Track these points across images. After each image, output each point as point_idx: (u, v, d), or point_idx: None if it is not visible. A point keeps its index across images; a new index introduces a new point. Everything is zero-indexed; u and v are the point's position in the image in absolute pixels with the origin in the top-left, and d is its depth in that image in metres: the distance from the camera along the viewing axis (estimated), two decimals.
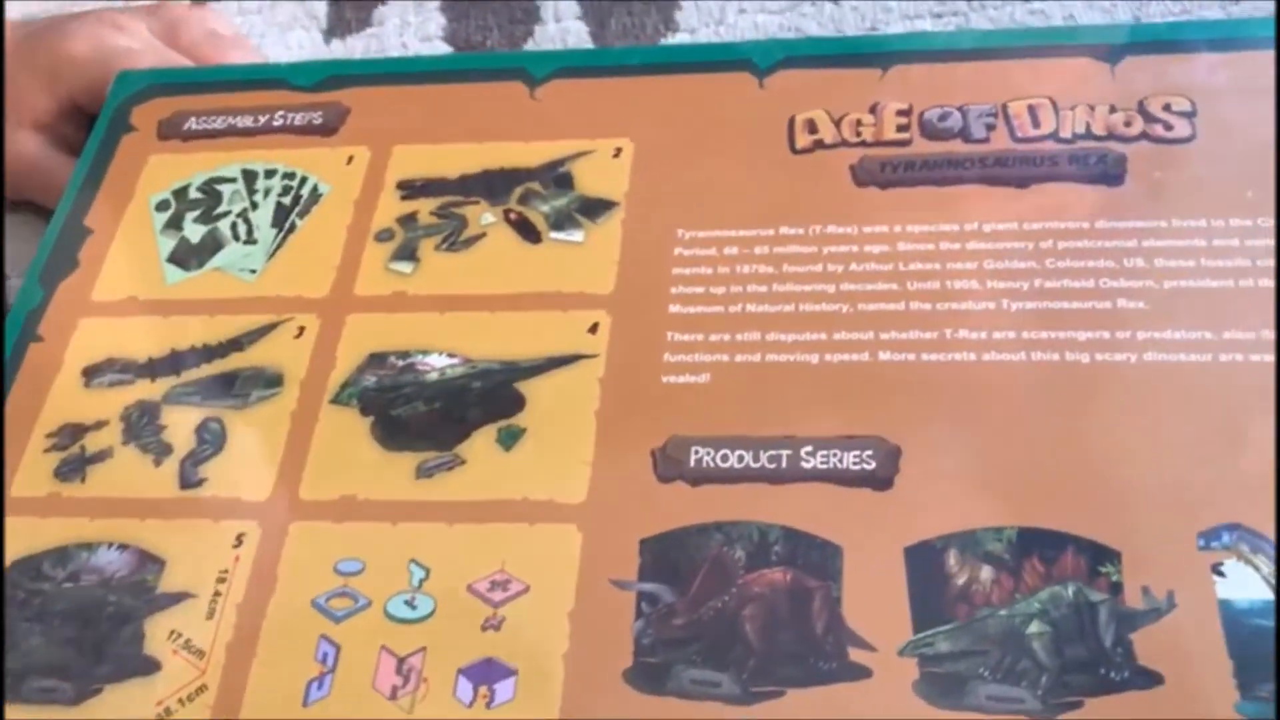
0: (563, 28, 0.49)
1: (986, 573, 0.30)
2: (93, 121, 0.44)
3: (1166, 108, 0.37)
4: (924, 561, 0.30)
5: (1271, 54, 0.37)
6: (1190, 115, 0.37)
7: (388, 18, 0.50)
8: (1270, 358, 0.32)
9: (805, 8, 0.47)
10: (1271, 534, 0.29)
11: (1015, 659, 0.28)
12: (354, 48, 0.50)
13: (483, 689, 0.30)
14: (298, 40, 0.50)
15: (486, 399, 0.35)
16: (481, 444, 0.34)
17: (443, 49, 0.49)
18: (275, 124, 0.42)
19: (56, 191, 0.44)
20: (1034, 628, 0.29)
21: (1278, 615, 0.28)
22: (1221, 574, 0.29)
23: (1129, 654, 0.28)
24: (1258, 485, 0.30)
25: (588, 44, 0.48)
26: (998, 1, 0.45)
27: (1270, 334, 0.32)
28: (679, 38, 0.47)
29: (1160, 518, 0.30)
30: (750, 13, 0.48)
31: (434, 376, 0.35)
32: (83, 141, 0.44)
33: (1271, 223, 0.34)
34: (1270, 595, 0.28)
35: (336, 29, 0.50)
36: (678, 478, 0.32)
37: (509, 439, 0.34)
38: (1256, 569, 0.29)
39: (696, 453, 0.33)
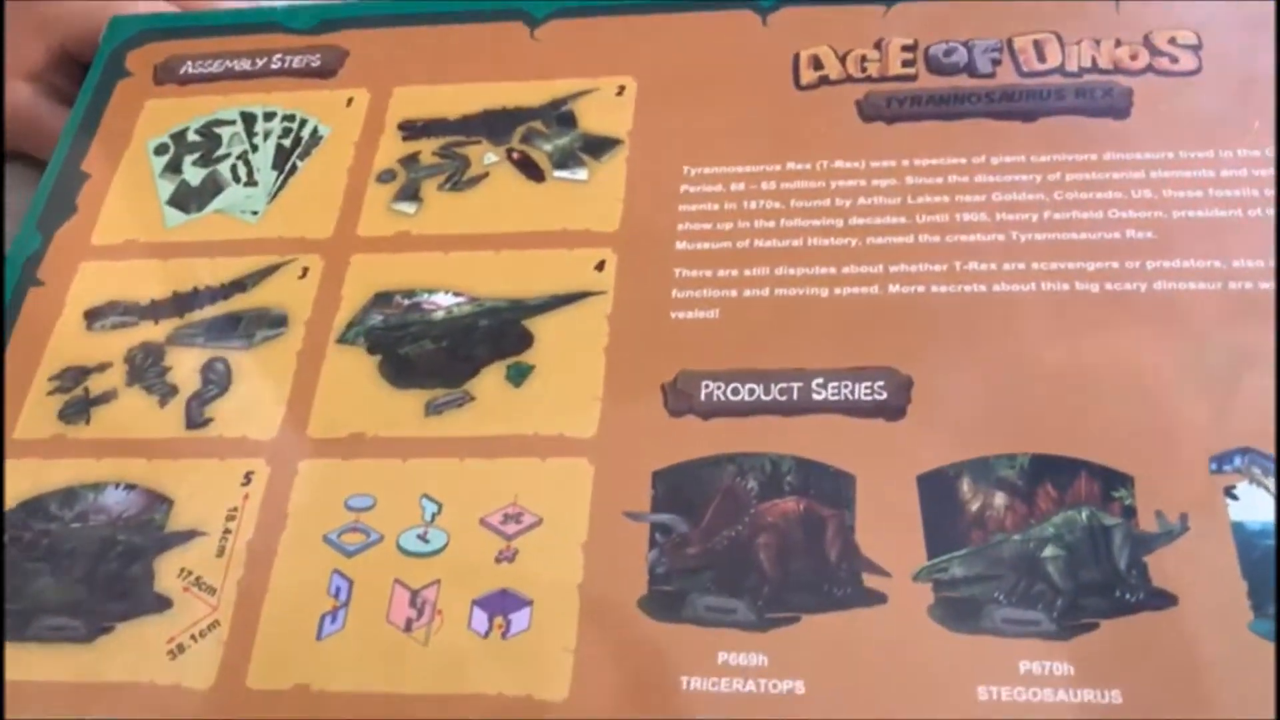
0: None
1: (1000, 499, 0.30)
2: (85, 71, 0.44)
3: (1172, 41, 0.37)
4: (937, 489, 0.30)
5: None
6: (1195, 48, 0.37)
7: None
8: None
9: None
10: None
11: (1030, 583, 0.29)
12: None
13: (498, 619, 0.30)
14: None
15: (494, 336, 0.35)
16: (490, 381, 0.34)
17: None
18: (273, 67, 0.42)
19: (49, 141, 0.43)
20: (1048, 551, 0.29)
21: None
22: (1234, 497, 0.29)
23: (1143, 576, 0.28)
24: (1268, 409, 0.30)
25: None
26: None
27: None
28: None
29: (1171, 443, 0.30)
30: None
31: (441, 315, 0.35)
32: (75, 92, 0.43)
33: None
34: None
35: None
36: (688, 411, 0.32)
37: (518, 375, 0.34)
38: (1268, 491, 0.29)
39: (706, 386, 0.33)
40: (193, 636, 0.31)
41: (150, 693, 0.30)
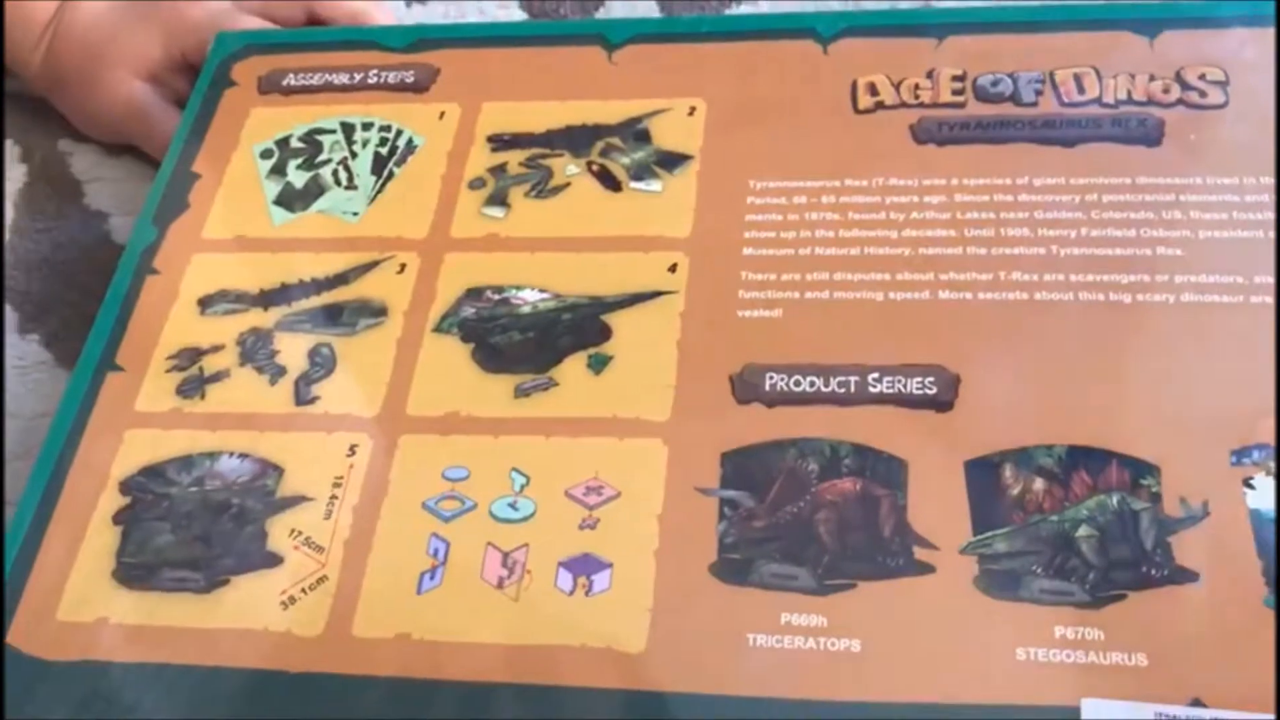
0: (633, 8, 0.52)
1: (1039, 484, 0.33)
2: (197, 77, 0.47)
3: (1202, 77, 0.40)
4: (982, 474, 0.33)
5: None
6: (1224, 84, 0.40)
7: None
8: None
9: None
10: None
11: (1065, 558, 0.32)
12: (433, 15, 0.53)
13: (582, 579, 0.33)
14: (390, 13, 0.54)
15: (576, 329, 0.38)
16: (573, 368, 0.37)
17: (519, 17, 0.52)
18: (370, 81, 0.45)
19: (159, 137, 0.47)
20: (1083, 531, 0.32)
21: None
22: (1251, 486, 0.32)
23: (1168, 554, 0.31)
24: None
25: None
26: None
27: None
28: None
29: (1196, 437, 0.33)
30: None
31: (527, 309, 0.39)
32: (188, 93, 0.47)
33: None
34: None
35: None
36: (754, 400, 0.36)
37: (598, 364, 0.37)
38: None
39: (771, 378, 0.36)
40: (303, 589, 0.34)
41: (264, 638, 0.33)
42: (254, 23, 0.48)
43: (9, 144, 0.53)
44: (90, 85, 0.49)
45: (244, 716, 0.32)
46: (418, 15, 0.53)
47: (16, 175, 0.52)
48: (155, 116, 0.48)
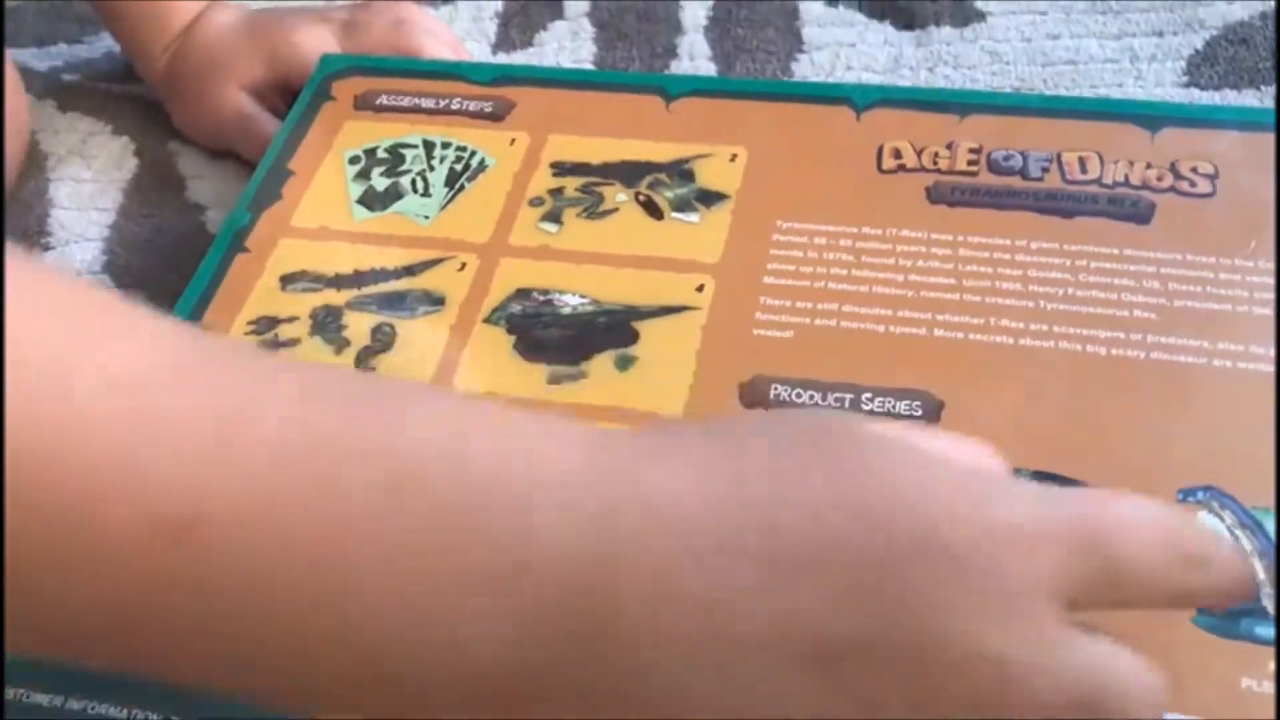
0: (694, 65, 0.58)
1: None
2: (293, 95, 0.53)
3: (1194, 169, 0.44)
4: None
5: None
6: (1212, 177, 0.44)
7: (547, 41, 0.60)
8: (1255, 367, 0.39)
9: (904, 72, 0.56)
10: (1241, 500, 0.36)
11: None
12: (515, 59, 0.59)
13: None
14: (469, 51, 0.60)
15: (609, 331, 0.43)
16: (601, 364, 0.42)
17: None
18: (453, 108, 0.51)
19: (257, 143, 0.53)
20: None
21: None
22: None
23: None
24: (1232, 462, 0.37)
25: None
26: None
27: (1259, 349, 0.39)
28: None
29: (1149, 476, 0.37)
30: (856, 70, 0.56)
31: (568, 310, 0.43)
32: (284, 109, 0.53)
33: (1270, 266, 0.41)
34: (1230, 540, 0.35)
35: (503, 45, 0.60)
36: (758, 405, 0.40)
37: (624, 363, 0.42)
38: (1222, 520, 0.36)
39: (775, 389, 0.40)
40: None
41: None
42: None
43: (125, 139, 0.59)
44: (203, 92, 0.56)
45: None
46: (500, 60, 0.59)
47: (129, 167, 0.58)
48: (255, 123, 0.54)
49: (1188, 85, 0.53)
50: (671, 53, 0.58)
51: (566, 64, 0.59)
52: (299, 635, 0.22)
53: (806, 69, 0.57)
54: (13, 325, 0.21)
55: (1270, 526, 0.35)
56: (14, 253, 0.22)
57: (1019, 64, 0.55)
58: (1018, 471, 0.37)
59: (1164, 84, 0.54)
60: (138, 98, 0.61)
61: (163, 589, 0.21)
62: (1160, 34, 0.56)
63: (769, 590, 0.22)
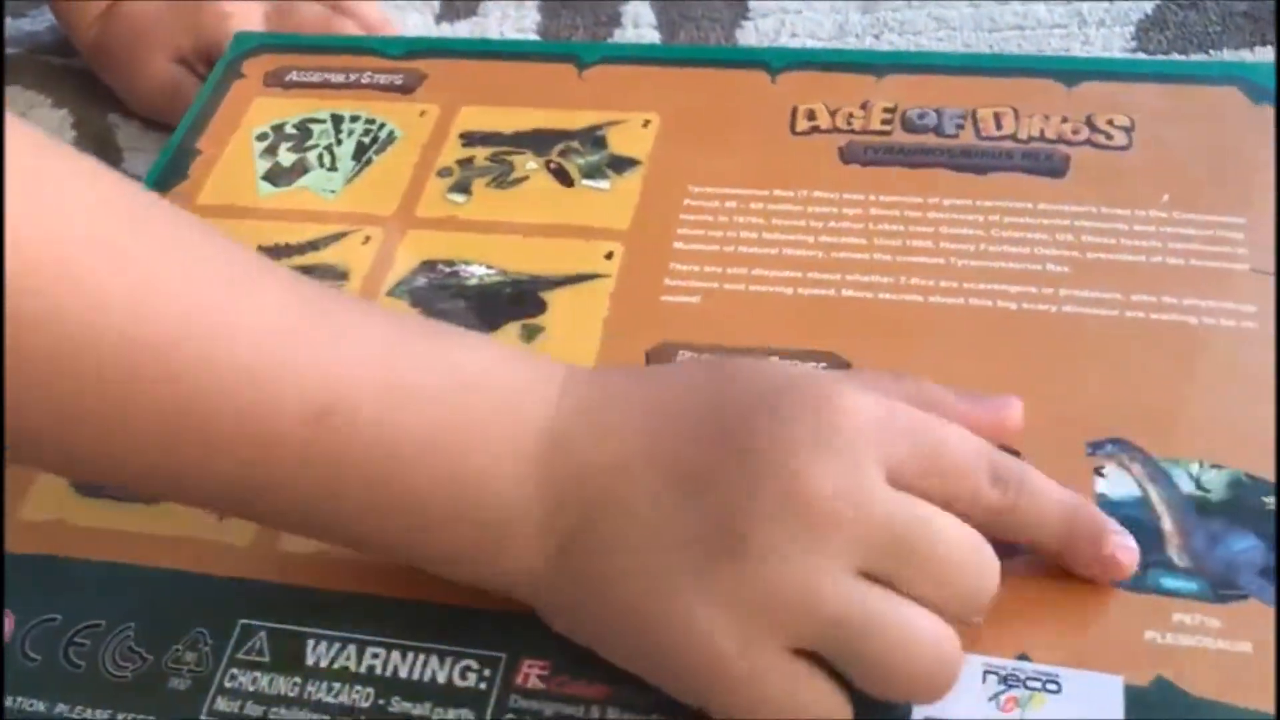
0: (639, 33, 0.56)
1: None
2: None
3: (1110, 122, 0.44)
4: None
5: (1201, 88, 0.44)
6: (1129, 130, 0.43)
7: (491, 11, 0.59)
8: (1167, 317, 0.38)
9: (849, 40, 0.55)
10: (1150, 452, 0.35)
11: None
12: (459, 32, 0.58)
13: None
14: (412, 21, 0.59)
15: (515, 301, 0.42)
16: (507, 335, 0.41)
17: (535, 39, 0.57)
18: (363, 82, 0.50)
19: (184, 112, 0.52)
20: None
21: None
22: (1102, 474, 0.35)
23: None
24: (1142, 414, 0.36)
25: None
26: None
27: (1171, 299, 0.38)
28: None
29: (1057, 429, 0.36)
30: (801, 37, 0.55)
31: (474, 281, 0.42)
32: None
33: (1185, 216, 0.40)
34: (1138, 492, 0.34)
35: (446, 15, 0.59)
36: None
37: (531, 333, 0.41)
38: (1129, 471, 0.35)
39: (682, 355, 0.39)
40: None
41: (198, 545, 0.37)
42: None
43: (64, 112, 0.58)
44: (131, 61, 0.56)
45: (172, 611, 0.35)
46: (444, 33, 0.58)
47: (68, 139, 0.57)
48: (184, 94, 0.54)
49: (1135, 51, 0.52)
50: (616, 21, 0.57)
51: (510, 33, 0.58)
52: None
53: (750, 36, 0.56)
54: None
55: (1178, 477, 0.35)
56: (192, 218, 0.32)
57: (965, 30, 0.54)
58: None
59: (1112, 49, 0.53)
60: (80, 71, 0.60)
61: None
62: None
63: (648, 431, 0.31)
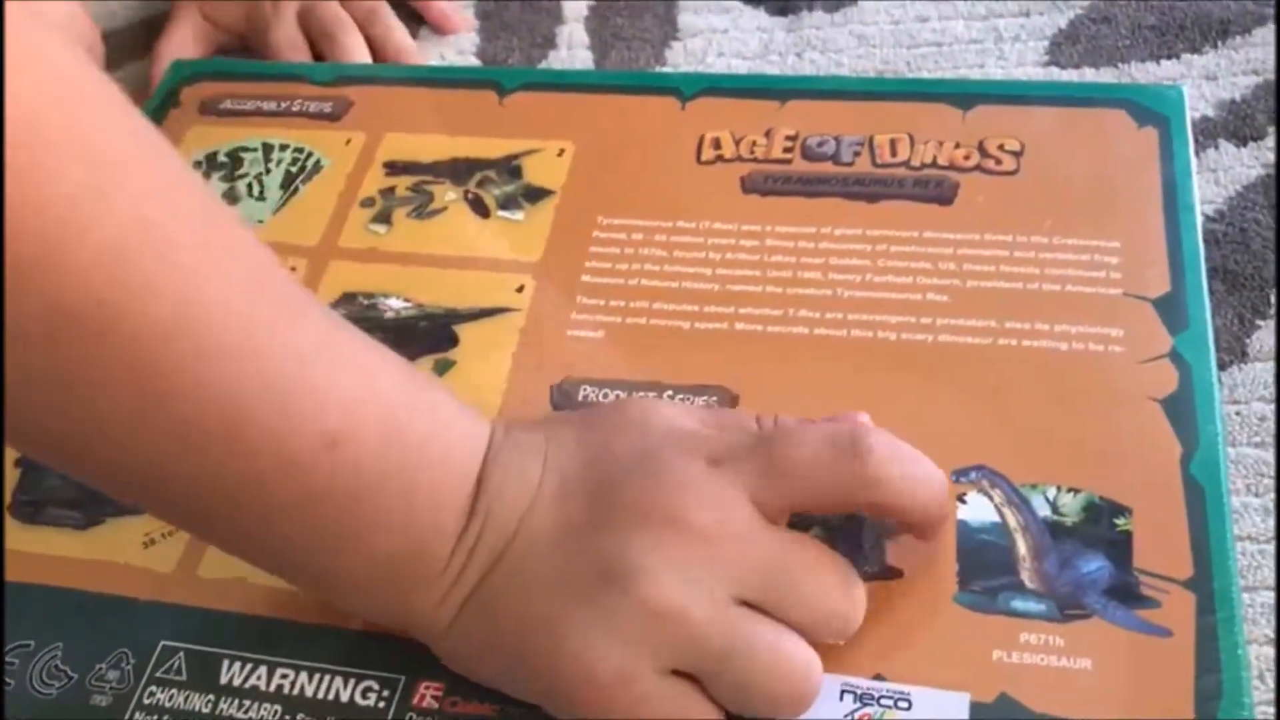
0: (572, 54, 0.58)
1: None
2: None
3: (1000, 147, 0.45)
4: None
5: (1091, 110, 0.46)
6: (1018, 154, 0.45)
7: (430, 34, 0.60)
8: (1039, 344, 0.40)
9: (773, 58, 0.56)
10: (1011, 478, 0.37)
11: None
12: None
13: None
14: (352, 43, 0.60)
15: (429, 335, 0.44)
16: (421, 369, 0.43)
17: (474, 63, 0.58)
18: (294, 110, 0.52)
19: None
20: (814, 532, 0.37)
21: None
22: (964, 501, 0.37)
23: (881, 554, 0.36)
24: (1009, 441, 0.38)
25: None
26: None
27: (1043, 326, 0.40)
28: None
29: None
30: (727, 56, 0.57)
31: (390, 315, 0.45)
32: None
33: (1066, 242, 0.42)
34: (996, 518, 0.37)
35: None
36: (568, 407, 0.41)
37: (442, 368, 0.43)
38: (990, 498, 0.37)
39: (584, 390, 0.42)
40: (163, 534, 0.40)
41: (125, 571, 0.39)
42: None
43: None
44: None
45: (97, 633, 0.38)
46: None
47: None
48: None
49: (1048, 64, 0.54)
50: (550, 43, 0.59)
51: (450, 55, 0.59)
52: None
53: (679, 56, 0.57)
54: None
55: (1036, 502, 0.37)
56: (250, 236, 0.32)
57: (884, 47, 0.56)
58: None
59: (1025, 63, 0.54)
60: None
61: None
62: (1027, 14, 0.56)
63: (552, 486, 0.35)
